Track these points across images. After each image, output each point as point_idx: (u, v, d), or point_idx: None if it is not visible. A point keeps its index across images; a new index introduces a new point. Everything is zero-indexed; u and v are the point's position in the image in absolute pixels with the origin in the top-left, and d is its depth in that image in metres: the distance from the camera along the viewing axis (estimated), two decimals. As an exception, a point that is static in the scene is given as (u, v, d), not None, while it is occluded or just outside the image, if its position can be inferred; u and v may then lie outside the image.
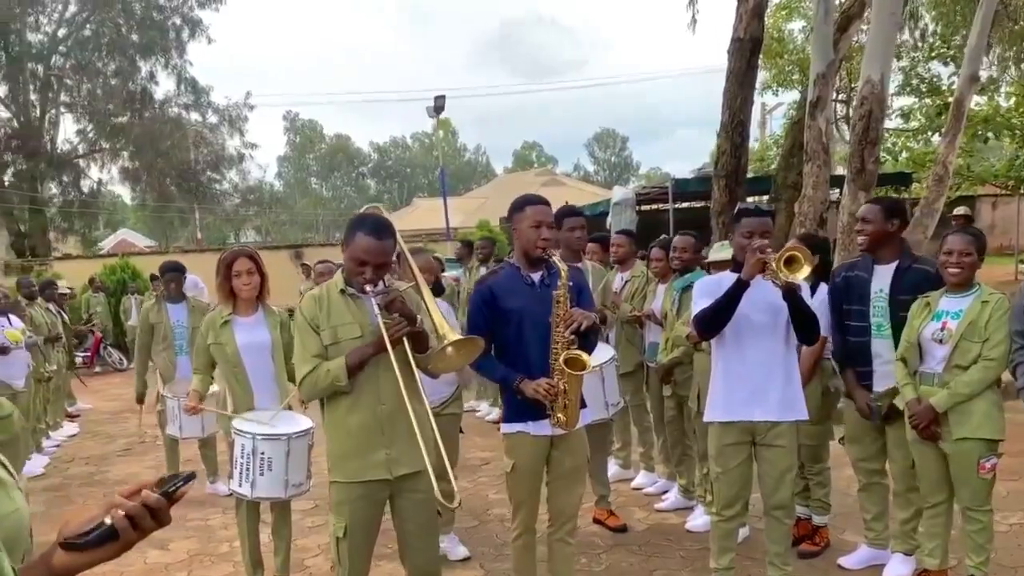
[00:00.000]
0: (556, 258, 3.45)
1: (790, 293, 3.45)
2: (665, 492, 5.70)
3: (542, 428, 3.48)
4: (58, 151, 26.92)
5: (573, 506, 3.66)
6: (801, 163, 9.97)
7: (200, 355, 4.45)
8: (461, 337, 3.12)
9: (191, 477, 1.36)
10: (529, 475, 3.56)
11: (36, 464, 7.45)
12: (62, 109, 27.38)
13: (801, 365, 3.89)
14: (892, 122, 19.73)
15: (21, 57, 25.16)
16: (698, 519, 5.04)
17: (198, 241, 37.70)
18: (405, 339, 3.09)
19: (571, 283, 3.50)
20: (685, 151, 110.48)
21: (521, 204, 3.58)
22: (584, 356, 3.37)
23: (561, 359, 3.34)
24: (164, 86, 28.57)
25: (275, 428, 3.98)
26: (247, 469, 3.92)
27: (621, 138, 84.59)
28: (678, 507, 5.43)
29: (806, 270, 3.37)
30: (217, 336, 4.27)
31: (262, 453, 3.92)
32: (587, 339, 3.49)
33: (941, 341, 3.69)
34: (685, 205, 18.79)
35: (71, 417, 9.97)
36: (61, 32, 26.90)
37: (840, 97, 21.58)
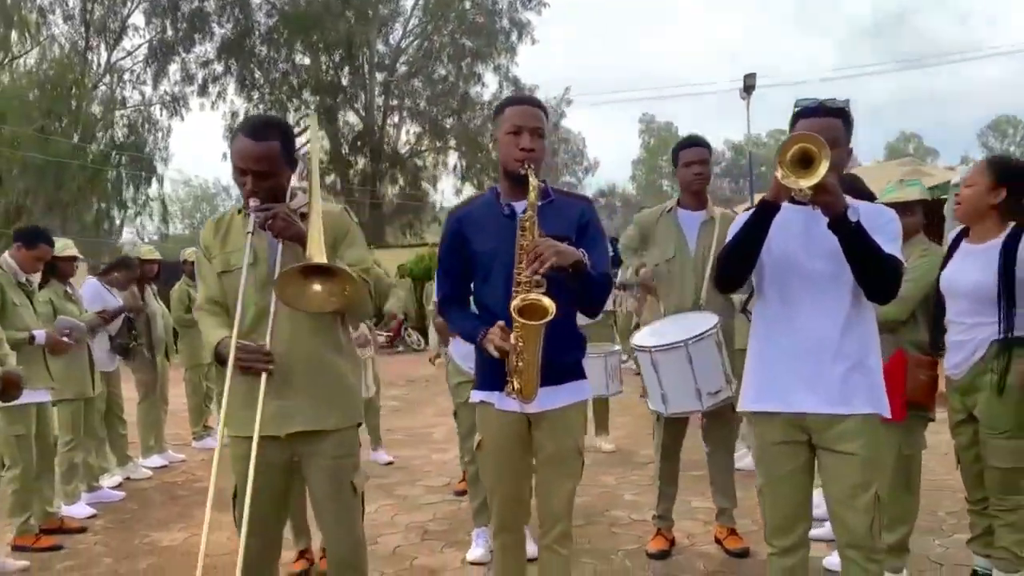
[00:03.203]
0: (530, 174, 2.62)
1: (836, 220, 2.29)
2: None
3: (508, 401, 2.68)
4: (396, 151, 29.77)
5: (560, 504, 2.78)
6: None
7: None
8: (325, 262, 2.40)
9: None
10: (496, 455, 2.79)
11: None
12: (404, 114, 30.22)
13: None
14: None
15: (371, 68, 28.23)
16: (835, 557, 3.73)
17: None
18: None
19: (562, 213, 2.70)
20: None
21: (501, 106, 2.81)
22: (544, 301, 2.50)
23: (512, 304, 2.52)
24: (490, 87, 30.19)
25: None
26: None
27: (1024, 125, 72.73)
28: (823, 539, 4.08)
29: (823, 169, 2.18)
30: None
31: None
32: (575, 285, 2.60)
33: None
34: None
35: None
36: (404, 43, 29.73)
37: None
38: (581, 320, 6.94)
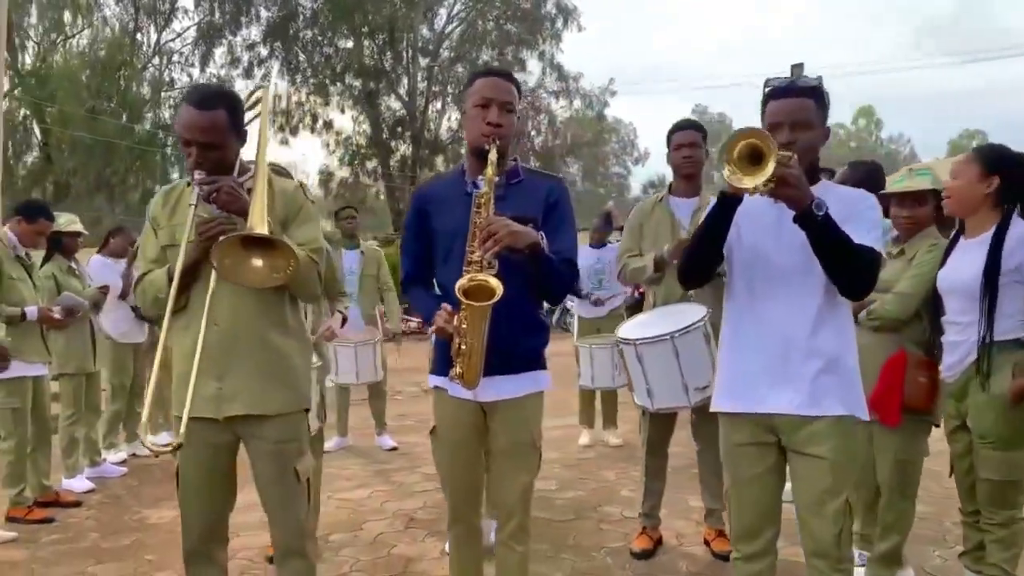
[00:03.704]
0: (492, 148, 2.49)
1: (800, 213, 2.14)
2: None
3: (461, 388, 2.56)
4: (437, 137, 29.74)
5: (514, 498, 2.64)
6: None
7: None
8: (265, 234, 2.27)
9: None
10: (449, 444, 2.69)
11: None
12: (447, 100, 30.16)
13: None
14: None
15: (414, 53, 28.21)
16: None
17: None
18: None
19: (529, 193, 2.60)
20: None
21: (471, 78, 2.69)
22: (492, 282, 2.37)
23: (458, 284, 2.40)
24: (534, 74, 29.95)
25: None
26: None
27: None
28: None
29: (770, 168, 2.02)
30: None
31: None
32: (533, 269, 2.47)
33: None
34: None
35: None
36: (448, 28, 29.65)
37: None
38: (601, 311, 6.73)
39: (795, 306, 2.32)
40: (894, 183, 3.34)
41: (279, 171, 3.71)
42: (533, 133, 29.10)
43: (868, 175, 3.59)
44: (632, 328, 3.65)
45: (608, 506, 4.70)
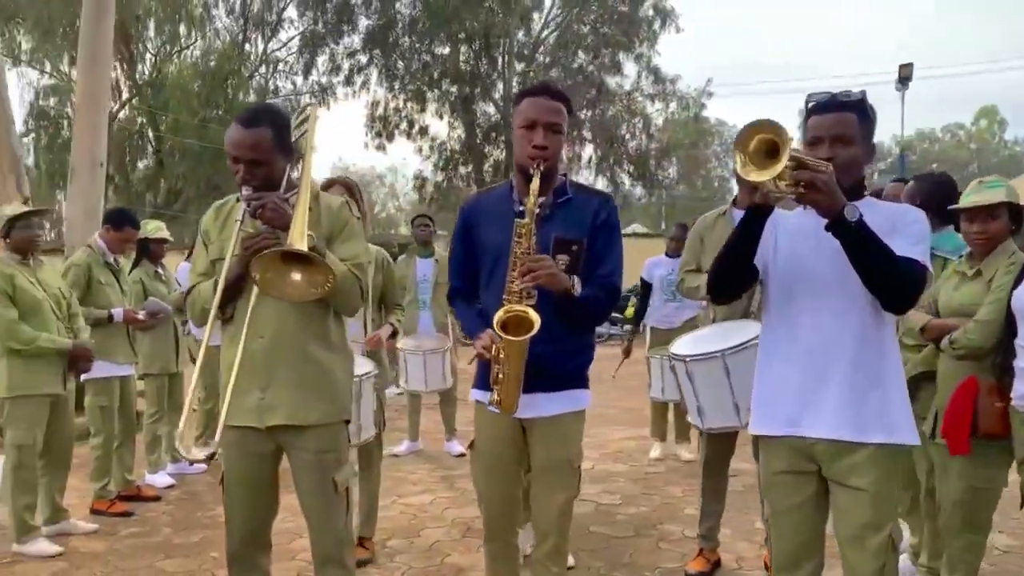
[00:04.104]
0: (536, 175, 2.48)
1: (832, 219, 2.06)
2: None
3: None
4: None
5: (550, 518, 2.63)
6: None
7: None
8: (304, 250, 2.31)
9: None
10: (487, 459, 2.71)
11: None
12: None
13: None
14: None
15: (509, 58, 28.37)
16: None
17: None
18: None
19: (576, 213, 2.60)
20: None
21: (519, 96, 2.70)
22: (530, 315, 2.38)
23: (496, 317, 2.41)
24: (629, 77, 29.64)
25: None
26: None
27: None
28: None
29: (783, 162, 1.93)
30: None
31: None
32: (572, 303, 2.49)
33: None
34: None
35: None
36: (544, 32, 29.68)
37: None
38: (675, 321, 6.57)
39: (835, 320, 2.21)
40: (964, 197, 3.15)
41: (347, 183, 3.81)
42: (628, 137, 28.77)
43: (937, 187, 3.39)
44: (685, 344, 3.57)
45: (670, 524, 4.60)
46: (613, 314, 10.00)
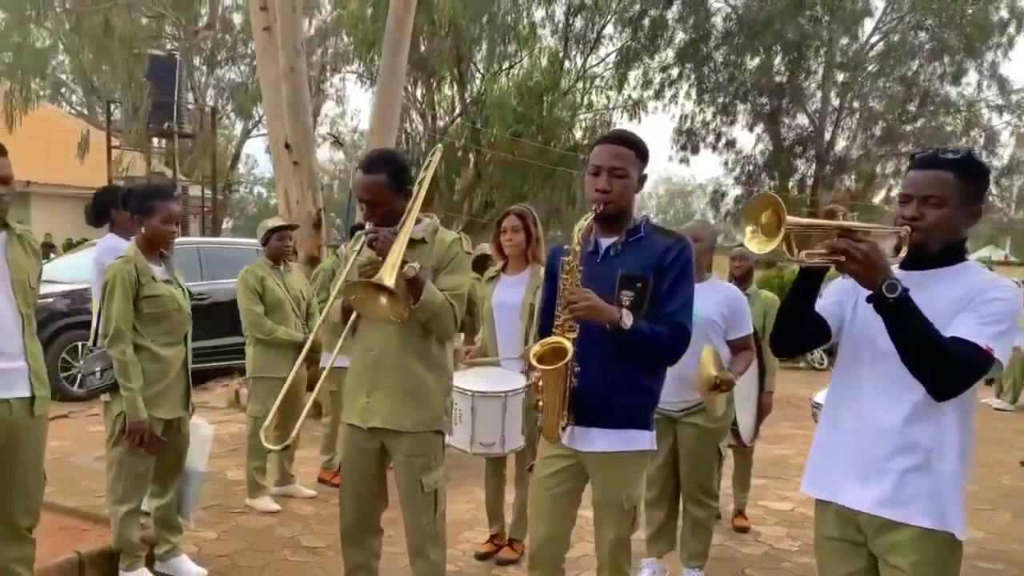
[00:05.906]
0: (586, 217, 2.67)
1: (872, 293, 2.01)
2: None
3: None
4: (844, 156, 27.90)
5: (603, 551, 2.82)
6: None
7: None
8: (383, 283, 2.70)
9: None
10: (540, 487, 2.88)
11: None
12: (862, 116, 28.15)
13: None
14: None
15: (828, 68, 26.87)
16: None
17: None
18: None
19: (645, 251, 2.70)
20: None
21: (594, 144, 2.86)
22: (563, 343, 2.55)
23: (533, 351, 2.61)
24: (970, 86, 26.61)
25: (467, 383, 4.04)
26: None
27: None
28: None
29: (775, 242, 1.92)
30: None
31: (456, 404, 4.04)
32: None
33: None
34: None
35: None
36: (872, 39, 27.64)
37: None
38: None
39: (893, 391, 2.14)
40: None
41: (520, 213, 4.20)
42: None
43: None
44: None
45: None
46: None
